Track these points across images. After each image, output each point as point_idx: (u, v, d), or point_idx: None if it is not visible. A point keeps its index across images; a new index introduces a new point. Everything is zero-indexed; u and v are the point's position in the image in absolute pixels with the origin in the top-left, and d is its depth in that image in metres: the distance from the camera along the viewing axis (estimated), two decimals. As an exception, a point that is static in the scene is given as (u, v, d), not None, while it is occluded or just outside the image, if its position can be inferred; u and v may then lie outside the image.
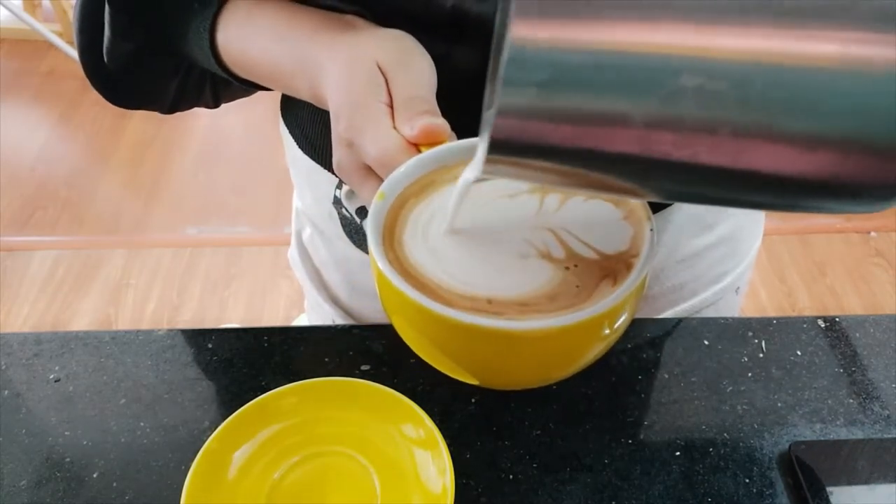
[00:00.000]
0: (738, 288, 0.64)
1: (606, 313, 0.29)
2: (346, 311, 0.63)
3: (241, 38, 0.45)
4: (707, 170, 0.24)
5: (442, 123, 0.35)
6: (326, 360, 0.51)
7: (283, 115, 0.58)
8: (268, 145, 2.17)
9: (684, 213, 0.53)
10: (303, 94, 0.43)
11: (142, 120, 2.21)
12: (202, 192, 2.02)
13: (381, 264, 0.31)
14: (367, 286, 0.59)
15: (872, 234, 1.87)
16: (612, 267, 0.31)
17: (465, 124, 0.46)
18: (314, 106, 0.53)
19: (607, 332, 0.31)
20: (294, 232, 0.66)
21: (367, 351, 0.51)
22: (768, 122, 0.23)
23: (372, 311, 0.61)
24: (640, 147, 0.23)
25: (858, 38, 0.22)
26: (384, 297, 0.31)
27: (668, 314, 0.60)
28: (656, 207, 0.51)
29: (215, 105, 0.56)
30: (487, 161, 0.25)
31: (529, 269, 0.31)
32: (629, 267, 0.31)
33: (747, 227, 0.61)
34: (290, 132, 0.57)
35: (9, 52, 2.48)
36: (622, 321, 0.32)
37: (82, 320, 1.68)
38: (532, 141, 0.23)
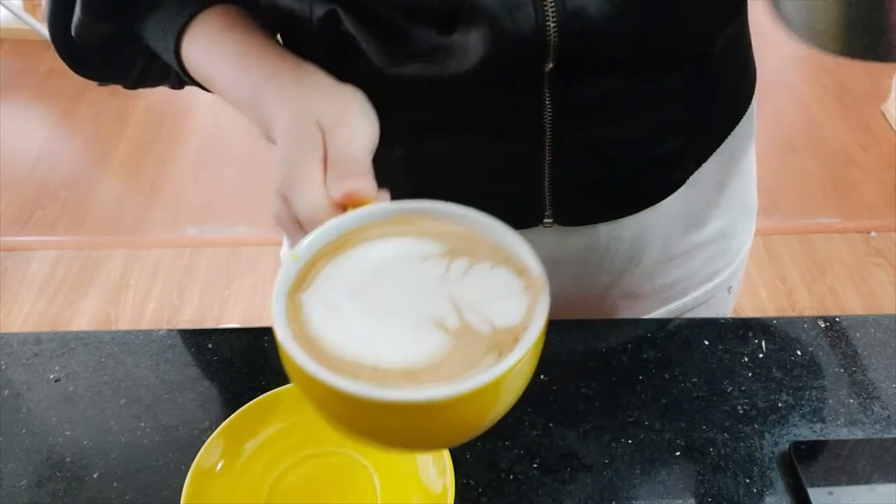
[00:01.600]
0: (731, 287, 0.64)
1: (479, 390, 0.29)
2: None
3: (205, 62, 0.46)
4: None
5: (367, 186, 0.37)
6: (326, 360, 0.51)
7: None
8: (267, 145, 2.17)
9: (675, 209, 0.53)
10: (259, 130, 0.44)
11: (142, 120, 2.21)
12: (202, 192, 2.02)
13: (277, 325, 0.31)
14: None
15: (872, 234, 1.87)
16: (499, 340, 0.31)
17: (465, 119, 0.46)
18: None
19: (484, 405, 0.31)
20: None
21: (367, 351, 0.51)
22: None
23: None
24: None
25: None
26: (281, 357, 0.32)
27: (659, 312, 0.60)
28: (648, 202, 0.51)
29: (180, 87, 0.57)
30: None
31: (421, 338, 0.31)
32: (516, 340, 0.31)
33: (738, 225, 0.61)
34: None
35: (9, 52, 2.48)
36: (505, 394, 0.31)
37: (82, 320, 1.68)
38: None
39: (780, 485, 0.44)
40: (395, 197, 0.50)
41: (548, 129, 0.45)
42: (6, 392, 0.49)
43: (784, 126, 2.15)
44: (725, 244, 0.60)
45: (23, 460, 0.46)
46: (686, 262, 0.58)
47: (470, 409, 0.30)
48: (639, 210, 0.51)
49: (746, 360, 0.52)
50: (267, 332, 0.53)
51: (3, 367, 0.51)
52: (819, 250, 1.83)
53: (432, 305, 0.32)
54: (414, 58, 0.42)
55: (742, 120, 0.54)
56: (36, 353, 0.52)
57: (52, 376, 0.50)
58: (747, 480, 0.44)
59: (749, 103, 0.55)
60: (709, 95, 0.49)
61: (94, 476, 0.45)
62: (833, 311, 1.67)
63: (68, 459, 0.46)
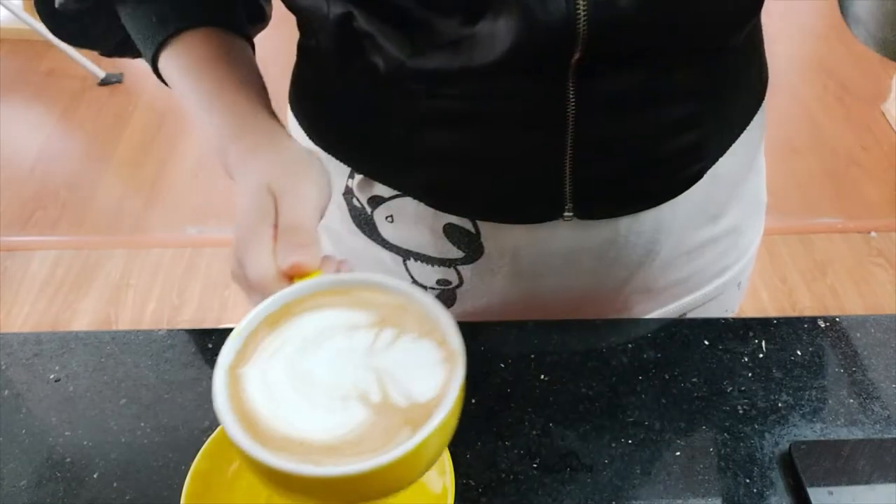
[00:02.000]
0: (740, 283, 0.64)
1: (392, 464, 0.31)
2: None
3: (179, 89, 0.48)
4: None
5: (312, 257, 0.38)
6: (326, 360, 0.51)
7: (292, 109, 0.59)
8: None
9: (692, 203, 0.53)
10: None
11: (142, 120, 2.21)
12: (202, 192, 2.02)
13: (217, 399, 0.33)
14: None
15: (873, 234, 1.87)
16: (414, 416, 0.33)
17: (487, 111, 0.45)
18: (321, 94, 0.53)
19: (399, 474, 0.33)
20: None
21: (367, 351, 0.51)
22: None
23: None
24: None
25: None
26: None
27: (672, 307, 0.61)
28: (668, 195, 0.51)
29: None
30: None
31: (346, 412, 0.33)
32: (428, 416, 0.32)
33: (749, 220, 0.61)
34: (300, 123, 0.57)
35: (9, 52, 2.48)
36: (418, 462, 0.33)
37: (82, 320, 1.68)
38: None
39: (780, 485, 0.44)
40: (414, 191, 0.50)
41: (570, 123, 0.45)
42: (6, 392, 0.49)
43: (785, 126, 2.15)
44: (737, 239, 0.60)
45: (23, 460, 0.46)
46: (699, 256, 0.58)
47: (387, 477, 0.32)
48: (659, 203, 0.51)
49: (746, 360, 0.52)
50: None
51: (3, 367, 0.51)
52: (819, 250, 1.83)
53: (360, 377, 0.34)
54: (437, 49, 0.42)
55: (756, 116, 0.55)
56: (36, 353, 0.52)
57: (52, 376, 0.50)
58: (747, 480, 0.44)
59: (762, 100, 0.56)
60: (728, 90, 0.50)
61: (94, 476, 0.45)
62: (833, 311, 1.67)
63: (68, 459, 0.46)
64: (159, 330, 0.53)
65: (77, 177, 2.07)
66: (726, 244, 0.59)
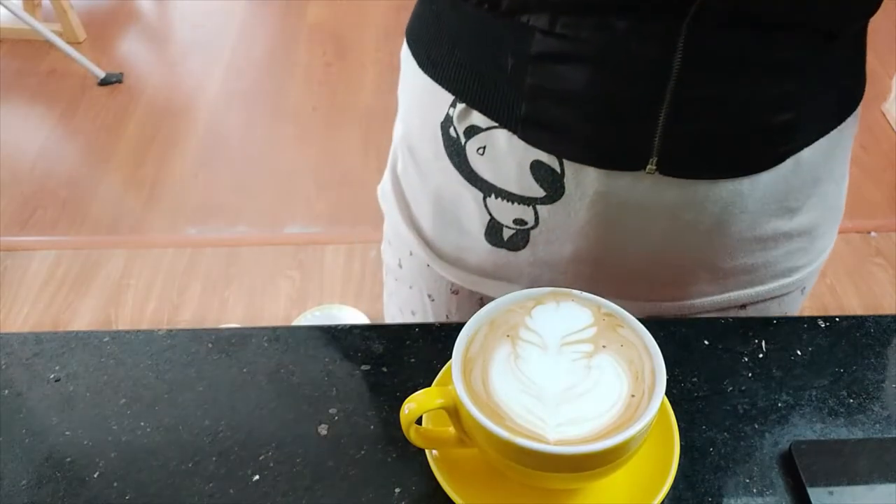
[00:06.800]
0: (804, 289, 0.65)
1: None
2: (426, 242, 0.65)
3: None
4: None
5: None
6: (326, 360, 0.51)
7: (408, 41, 0.60)
8: (268, 145, 2.17)
9: (770, 185, 0.53)
10: None
11: (142, 120, 2.21)
12: (202, 192, 2.02)
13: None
14: (451, 217, 0.61)
15: (872, 234, 1.87)
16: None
17: (592, 53, 0.47)
18: (437, 27, 0.55)
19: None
20: (389, 166, 0.69)
21: (367, 351, 0.51)
22: None
23: (450, 245, 0.62)
24: None
25: None
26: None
27: (737, 294, 0.61)
28: (750, 169, 0.52)
29: None
30: None
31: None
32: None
33: (825, 225, 0.61)
34: (414, 53, 0.59)
35: (9, 52, 2.48)
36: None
37: (82, 320, 1.68)
38: None
39: (780, 485, 0.44)
40: (511, 123, 0.53)
41: (673, 77, 0.46)
42: (6, 392, 0.49)
43: (784, 126, 2.15)
44: (809, 242, 0.61)
45: (23, 460, 0.46)
46: (770, 248, 0.58)
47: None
48: (739, 175, 0.52)
49: (746, 360, 0.52)
50: (266, 332, 0.53)
51: (3, 367, 0.51)
52: (819, 250, 1.83)
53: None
54: None
55: (849, 118, 0.55)
56: (36, 353, 0.52)
57: (52, 376, 0.50)
58: (747, 480, 0.44)
59: (857, 104, 0.56)
60: (829, 81, 0.51)
61: (94, 476, 0.45)
62: (833, 311, 1.67)
63: (68, 459, 0.46)
64: (159, 330, 0.53)
65: (77, 177, 2.07)
66: (799, 244, 0.60)
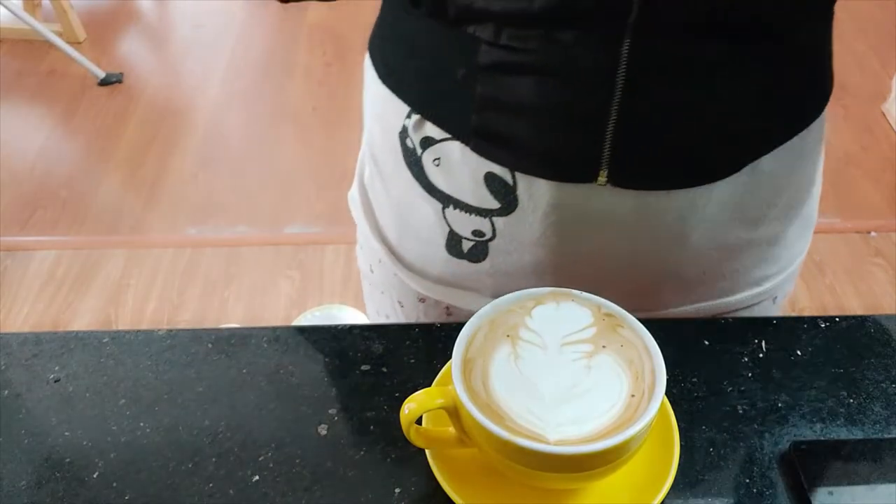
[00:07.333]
0: (776, 298, 0.64)
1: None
2: (391, 251, 0.65)
3: None
4: None
5: None
6: (326, 360, 0.51)
7: (369, 48, 0.60)
8: (268, 145, 2.17)
9: (727, 196, 0.53)
10: None
11: (142, 120, 2.21)
12: (202, 192, 2.02)
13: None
14: (413, 228, 0.61)
15: (872, 234, 1.87)
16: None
17: (538, 63, 0.47)
18: (394, 35, 0.55)
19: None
20: (357, 174, 0.69)
21: (367, 351, 0.51)
22: None
23: (414, 255, 0.62)
24: None
25: None
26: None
27: (706, 306, 0.60)
28: (702, 179, 0.51)
29: None
30: None
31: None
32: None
33: (793, 236, 0.61)
34: (373, 64, 0.59)
35: (9, 52, 2.48)
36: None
37: (82, 320, 1.68)
38: None
39: (780, 485, 0.44)
40: (462, 134, 0.52)
41: (619, 87, 0.45)
42: (6, 392, 0.49)
43: (784, 126, 2.15)
44: (778, 252, 0.60)
45: (23, 460, 0.46)
46: (735, 257, 0.58)
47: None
48: (693, 185, 0.51)
49: (746, 360, 0.52)
50: (266, 332, 0.53)
51: (3, 367, 0.51)
52: (819, 250, 1.83)
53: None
54: None
55: (812, 126, 0.54)
56: (36, 353, 0.52)
57: (51, 376, 0.50)
58: (747, 480, 0.44)
59: (820, 112, 0.55)
60: (785, 85, 0.50)
61: (94, 476, 0.45)
62: (832, 311, 1.67)
63: (68, 459, 0.46)
64: (159, 330, 0.53)
65: (77, 177, 2.07)
66: (766, 253, 0.59)
